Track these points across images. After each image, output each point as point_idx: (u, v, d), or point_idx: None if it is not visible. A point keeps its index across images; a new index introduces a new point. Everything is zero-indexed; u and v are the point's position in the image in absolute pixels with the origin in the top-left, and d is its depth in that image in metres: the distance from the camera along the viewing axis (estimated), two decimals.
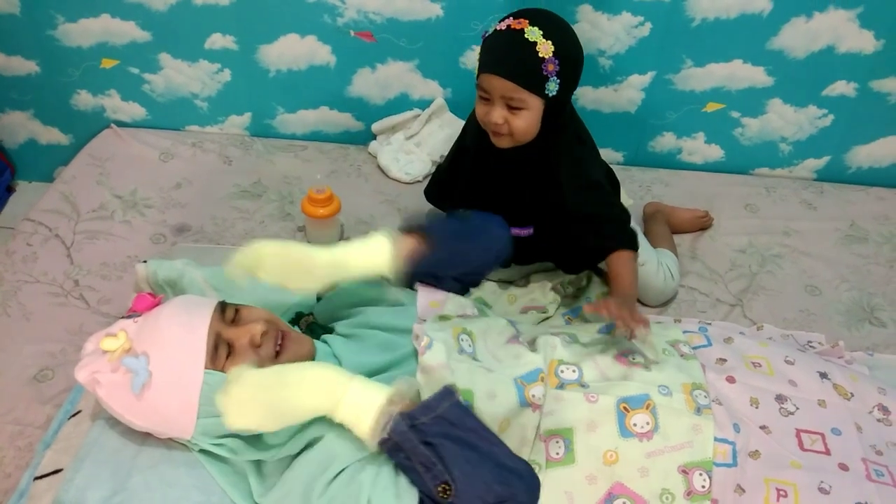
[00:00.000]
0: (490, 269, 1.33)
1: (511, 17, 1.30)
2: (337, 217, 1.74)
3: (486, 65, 1.32)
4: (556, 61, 1.27)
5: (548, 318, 1.55)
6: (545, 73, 1.28)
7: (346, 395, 1.01)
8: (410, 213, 1.30)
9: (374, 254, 1.22)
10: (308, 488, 1.01)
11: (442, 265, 1.27)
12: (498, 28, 1.31)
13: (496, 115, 1.33)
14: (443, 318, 1.25)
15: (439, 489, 0.95)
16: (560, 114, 1.38)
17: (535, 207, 1.46)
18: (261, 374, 1.02)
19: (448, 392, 1.01)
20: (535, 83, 1.29)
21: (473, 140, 1.49)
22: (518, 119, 1.33)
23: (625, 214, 1.48)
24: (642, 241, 1.66)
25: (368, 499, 0.97)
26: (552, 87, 1.29)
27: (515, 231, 1.50)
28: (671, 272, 1.65)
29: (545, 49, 1.26)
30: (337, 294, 1.32)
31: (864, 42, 1.85)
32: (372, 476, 0.99)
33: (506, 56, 1.29)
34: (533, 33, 1.26)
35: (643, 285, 1.62)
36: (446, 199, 1.70)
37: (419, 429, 0.97)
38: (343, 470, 1.01)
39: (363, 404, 1.00)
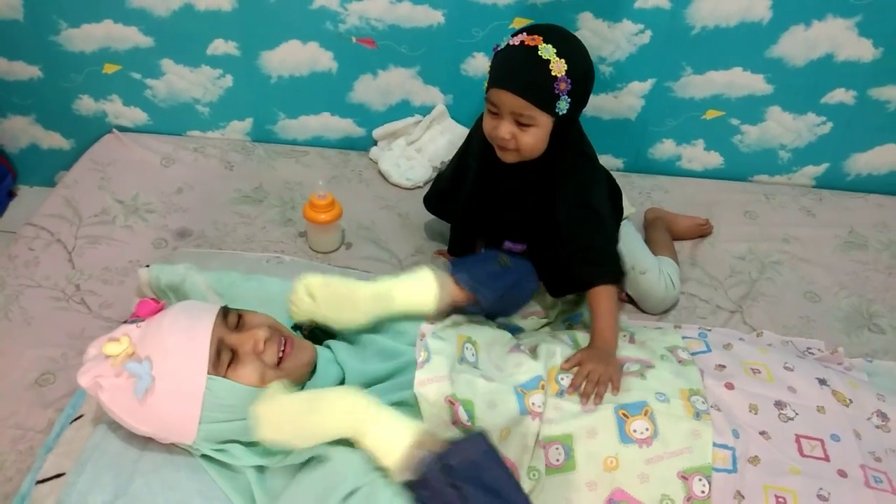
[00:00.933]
0: (512, 314, 1.36)
1: (525, 33, 1.28)
2: (338, 222, 1.75)
3: (497, 79, 1.30)
4: (569, 80, 1.26)
5: (548, 324, 1.55)
6: (557, 92, 1.26)
7: (373, 427, 1.02)
8: (457, 262, 1.31)
9: (420, 292, 1.23)
10: (321, 501, 1.01)
11: (479, 313, 1.30)
12: (511, 43, 1.29)
13: (504, 130, 1.32)
14: (452, 325, 1.26)
15: None
16: (568, 132, 1.37)
17: (532, 224, 1.46)
18: (292, 399, 1.05)
19: (479, 437, 1.01)
20: (546, 101, 1.27)
21: (478, 151, 1.48)
22: (526, 136, 1.31)
23: (615, 245, 1.46)
24: (643, 248, 1.67)
25: None
26: (563, 106, 1.28)
27: (508, 245, 1.50)
28: (672, 280, 1.66)
29: (558, 68, 1.25)
30: None
31: (862, 50, 1.86)
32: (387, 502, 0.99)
33: (518, 72, 1.27)
34: (547, 51, 1.24)
35: (645, 294, 1.63)
36: (445, 209, 1.71)
37: (448, 470, 0.97)
38: (355, 491, 1.00)
39: (391, 440, 1.01)
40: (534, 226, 1.46)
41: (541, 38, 1.26)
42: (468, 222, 1.59)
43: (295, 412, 1.04)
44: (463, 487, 0.96)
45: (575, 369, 1.24)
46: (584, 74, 1.31)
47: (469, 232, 1.61)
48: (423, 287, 1.23)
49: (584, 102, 1.36)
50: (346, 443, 1.05)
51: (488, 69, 1.33)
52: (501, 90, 1.29)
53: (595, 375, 1.21)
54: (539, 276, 1.44)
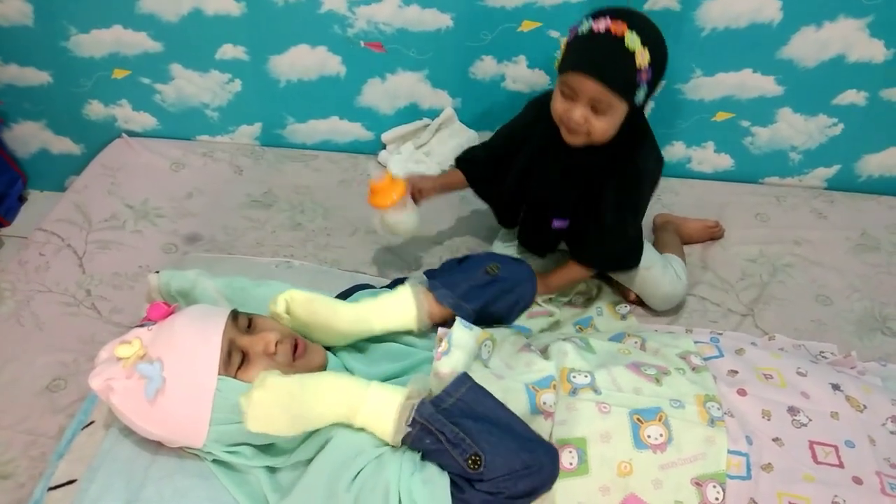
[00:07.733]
0: (513, 320, 1.36)
1: (608, 18, 1.26)
2: (407, 196, 1.52)
3: (580, 65, 1.28)
4: (651, 71, 1.27)
5: (556, 323, 1.54)
6: (638, 82, 1.27)
7: (365, 402, 1.06)
8: (439, 275, 1.32)
9: (399, 314, 1.24)
10: (332, 484, 1.02)
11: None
12: (595, 29, 1.27)
13: (578, 114, 1.31)
14: None
15: (469, 461, 0.99)
16: (636, 120, 1.37)
17: (580, 204, 1.47)
18: (284, 381, 1.05)
19: (464, 378, 1.06)
20: (628, 90, 1.27)
21: (545, 128, 1.45)
22: (600, 121, 1.32)
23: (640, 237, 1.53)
24: (647, 246, 1.65)
25: (398, 489, 0.99)
26: (641, 96, 1.30)
27: (557, 224, 1.53)
28: (678, 273, 1.64)
29: (643, 58, 1.24)
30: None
31: (874, 51, 1.84)
32: (396, 467, 1.01)
33: (604, 61, 1.26)
34: (633, 41, 1.24)
35: (651, 290, 1.61)
36: (479, 177, 1.65)
37: (444, 412, 1.02)
38: (363, 469, 1.03)
39: (383, 404, 1.05)
40: (581, 206, 1.47)
41: (626, 25, 1.24)
42: (517, 194, 1.58)
43: (287, 393, 1.04)
44: (460, 423, 1.01)
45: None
46: (661, 64, 1.31)
47: (517, 204, 1.61)
48: (401, 309, 1.24)
49: (654, 91, 1.35)
50: (348, 429, 1.08)
51: (562, 50, 1.33)
52: (584, 76, 1.27)
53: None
54: (569, 247, 1.52)
